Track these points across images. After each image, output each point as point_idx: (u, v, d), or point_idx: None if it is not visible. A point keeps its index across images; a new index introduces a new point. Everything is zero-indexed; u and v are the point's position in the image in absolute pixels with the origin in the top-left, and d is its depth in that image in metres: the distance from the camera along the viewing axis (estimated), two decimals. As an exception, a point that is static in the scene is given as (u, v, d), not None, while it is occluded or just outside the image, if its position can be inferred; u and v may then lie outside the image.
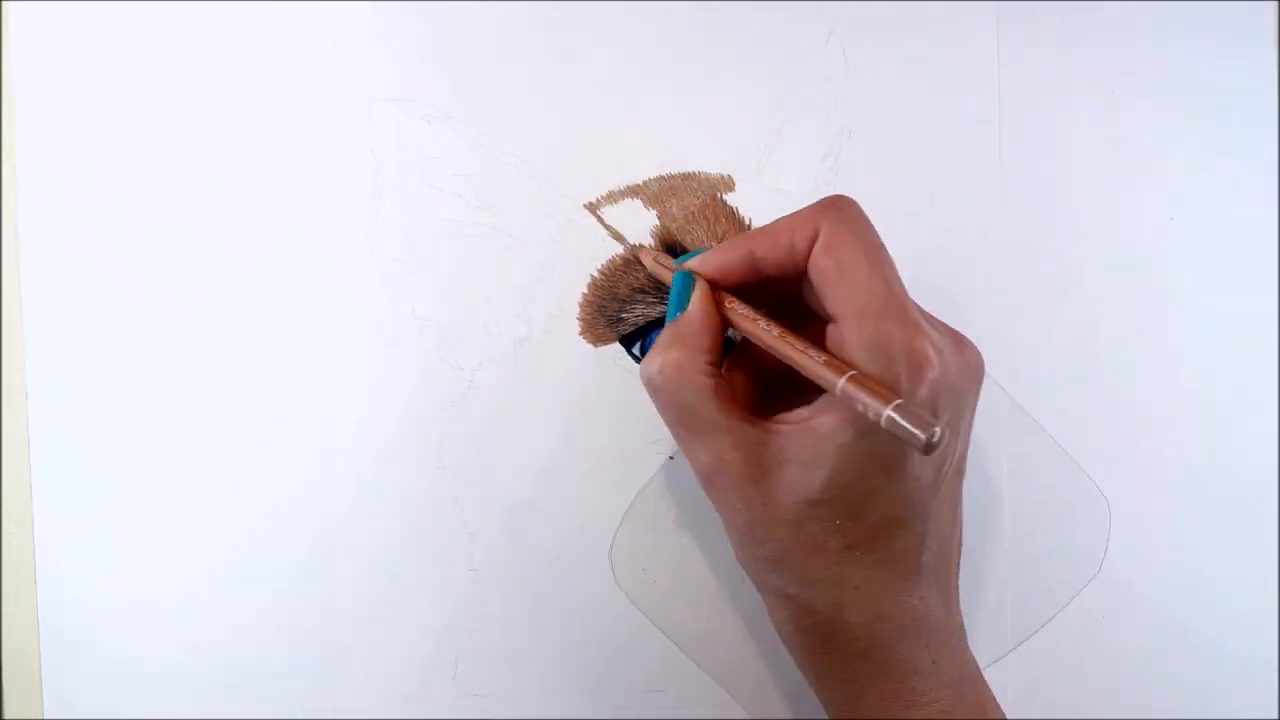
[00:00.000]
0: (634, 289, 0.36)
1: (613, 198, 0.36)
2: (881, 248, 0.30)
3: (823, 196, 0.31)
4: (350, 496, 0.35)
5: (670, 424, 0.31)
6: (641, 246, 0.36)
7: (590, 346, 0.36)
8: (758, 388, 0.33)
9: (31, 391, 0.35)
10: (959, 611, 0.32)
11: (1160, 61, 0.39)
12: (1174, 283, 0.39)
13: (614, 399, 0.36)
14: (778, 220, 0.31)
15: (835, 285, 0.29)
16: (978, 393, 0.31)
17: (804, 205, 0.31)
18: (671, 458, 0.36)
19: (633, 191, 0.36)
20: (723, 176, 0.37)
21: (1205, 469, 0.39)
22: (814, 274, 0.30)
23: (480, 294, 0.36)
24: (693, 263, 0.32)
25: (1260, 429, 0.40)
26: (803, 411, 0.30)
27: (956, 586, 0.32)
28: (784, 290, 0.32)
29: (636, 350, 0.36)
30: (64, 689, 0.35)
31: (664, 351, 0.31)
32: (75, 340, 0.35)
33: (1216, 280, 0.40)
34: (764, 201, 0.37)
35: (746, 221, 0.37)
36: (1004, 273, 0.38)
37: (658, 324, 0.36)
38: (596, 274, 0.36)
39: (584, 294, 0.36)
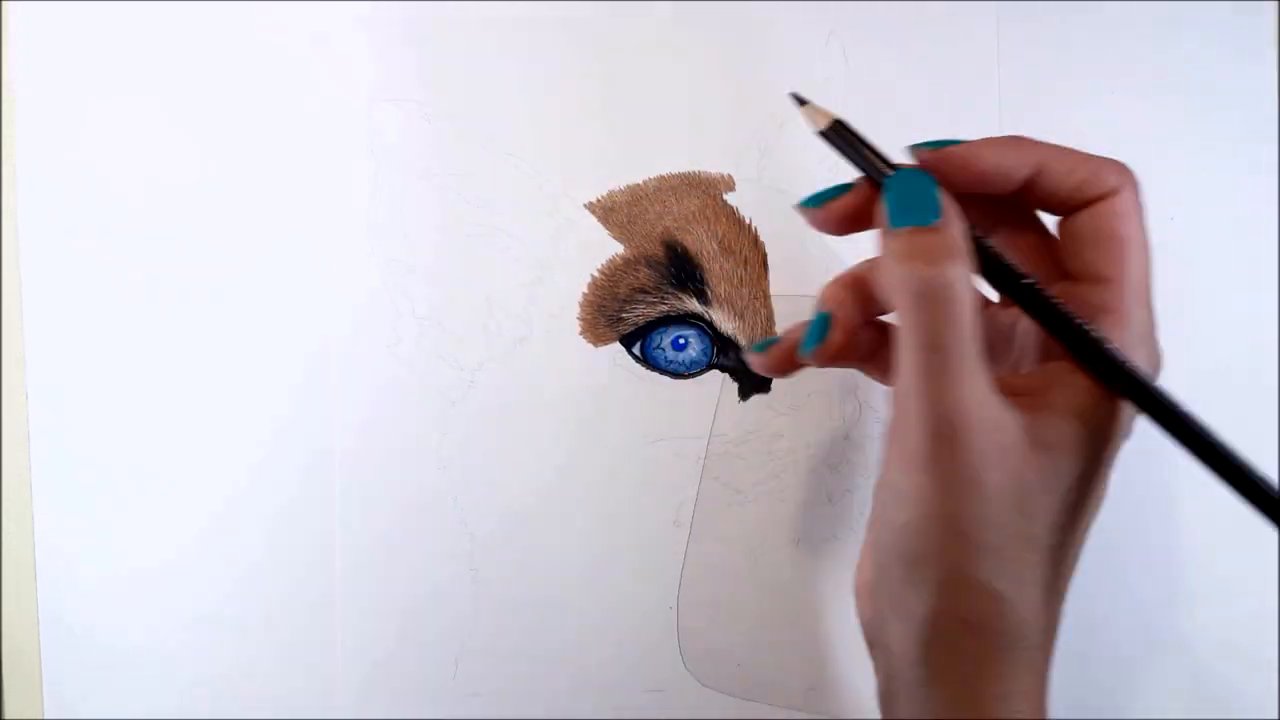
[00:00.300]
0: (634, 289, 0.36)
1: (612, 197, 0.36)
2: (1148, 246, 0.28)
3: (1113, 157, 0.28)
4: (350, 496, 0.35)
5: (926, 346, 0.25)
6: (810, 105, 0.30)
7: (591, 346, 0.36)
8: None
9: (32, 390, 0.35)
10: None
11: (1160, 61, 0.39)
12: (1174, 282, 0.39)
13: (615, 399, 0.36)
14: (1073, 150, 0.28)
15: (1129, 252, 0.27)
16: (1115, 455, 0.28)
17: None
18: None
19: (632, 191, 0.36)
20: (722, 176, 0.37)
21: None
22: (1095, 229, 0.27)
23: (481, 294, 0.36)
24: (956, 152, 0.27)
25: (1260, 429, 0.40)
26: (1033, 380, 0.26)
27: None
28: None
29: (637, 350, 0.36)
30: (64, 687, 0.35)
31: (938, 260, 0.25)
32: (75, 339, 0.35)
33: (1217, 280, 0.40)
34: (764, 201, 0.37)
35: (747, 222, 0.37)
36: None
37: (659, 323, 0.36)
38: (597, 274, 0.36)
39: (584, 294, 0.36)
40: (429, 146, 0.36)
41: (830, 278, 0.29)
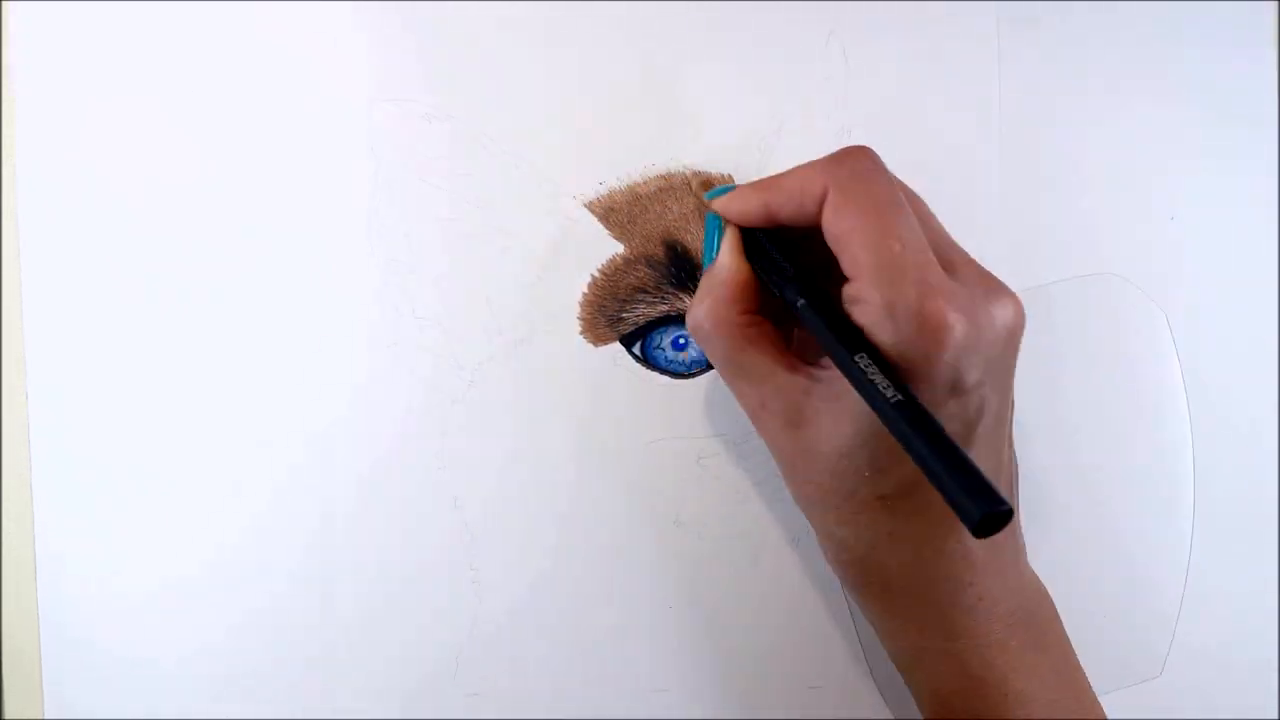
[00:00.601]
0: (634, 288, 0.36)
1: (612, 197, 0.36)
2: (894, 203, 0.28)
3: (835, 151, 0.30)
4: (350, 496, 0.35)
5: (716, 367, 0.32)
6: (695, 175, 0.36)
7: (591, 346, 0.36)
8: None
9: (32, 389, 0.35)
10: (1014, 542, 0.32)
11: (1160, 62, 0.39)
12: (1175, 283, 0.39)
13: (615, 399, 0.36)
14: (790, 171, 0.30)
15: (845, 248, 0.28)
16: (1016, 345, 0.30)
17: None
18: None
19: (632, 191, 0.36)
20: (722, 176, 0.37)
21: (1206, 469, 0.39)
22: (827, 234, 0.29)
23: (481, 294, 0.36)
24: (717, 204, 0.32)
25: (1261, 429, 0.40)
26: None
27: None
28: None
29: (637, 350, 0.36)
30: (64, 688, 0.35)
31: (702, 300, 0.31)
32: (75, 339, 0.35)
33: (1217, 280, 0.40)
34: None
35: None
36: (1003, 274, 0.38)
37: (659, 323, 0.36)
38: (597, 274, 0.36)
39: (584, 294, 0.36)
40: (429, 146, 0.36)
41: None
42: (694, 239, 0.36)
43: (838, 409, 0.29)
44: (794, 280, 0.30)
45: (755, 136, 0.37)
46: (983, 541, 0.29)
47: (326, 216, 0.35)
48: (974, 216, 0.38)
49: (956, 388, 0.28)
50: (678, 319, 0.36)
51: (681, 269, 0.36)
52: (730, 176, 0.37)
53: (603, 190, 0.36)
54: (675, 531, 0.36)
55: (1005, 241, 0.38)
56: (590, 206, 0.36)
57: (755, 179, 0.32)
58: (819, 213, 0.29)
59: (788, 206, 0.30)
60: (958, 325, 0.27)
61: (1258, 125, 0.40)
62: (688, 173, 0.36)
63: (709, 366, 0.36)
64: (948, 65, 0.38)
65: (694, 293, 0.36)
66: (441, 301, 0.36)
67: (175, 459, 0.35)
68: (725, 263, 0.31)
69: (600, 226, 0.36)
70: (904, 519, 0.30)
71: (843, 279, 0.29)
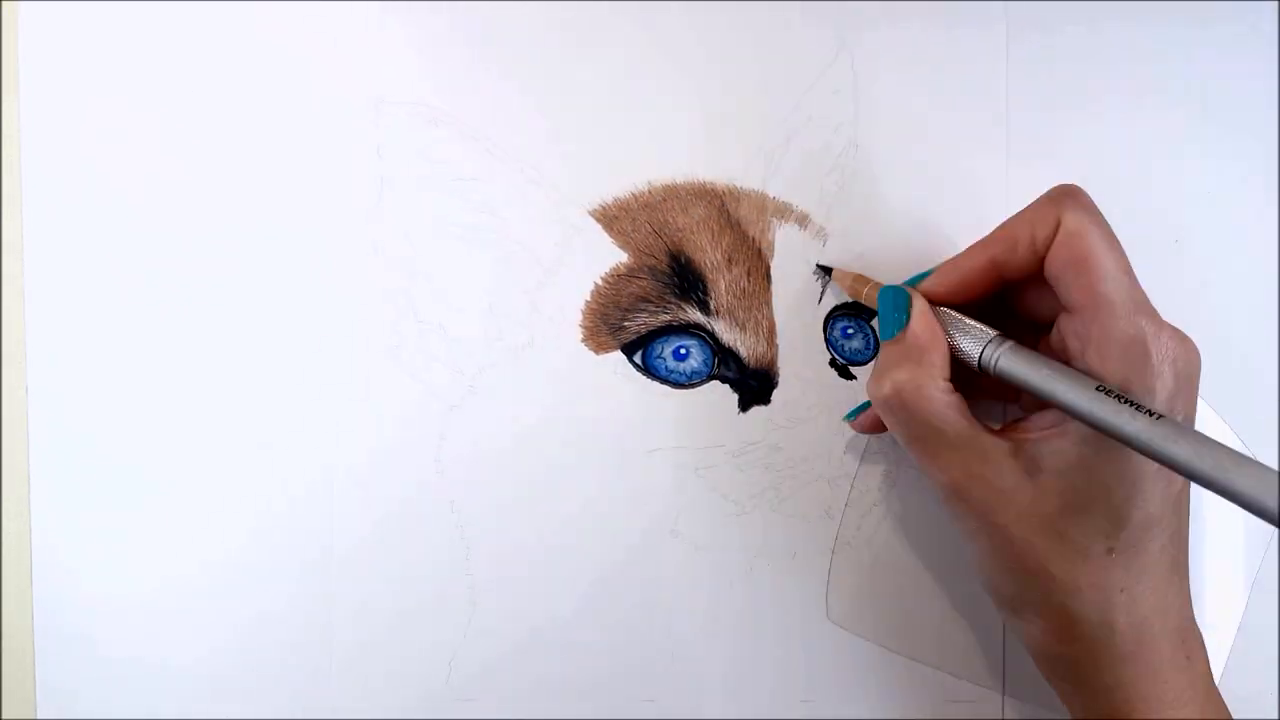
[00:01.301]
0: (637, 298, 0.36)
1: (617, 205, 0.36)
2: (1117, 240, 0.29)
3: (1051, 189, 0.30)
4: (348, 498, 0.35)
5: (910, 442, 0.31)
6: (839, 270, 0.36)
7: (592, 354, 0.36)
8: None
9: (32, 389, 0.35)
10: (1192, 610, 0.32)
11: (1165, 70, 0.39)
12: (1176, 287, 0.39)
13: (615, 407, 0.36)
14: (1009, 221, 0.30)
15: (1084, 275, 0.28)
16: (1199, 383, 0.30)
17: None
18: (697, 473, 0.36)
19: (637, 200, 0.36)
20: (728, 187, 0.37)
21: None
22: (1057, 265, 0.29)
23: (483, 299, 0.36)
24: (926, 284, 0.32)
25: (1261, 433, 0.40)
26: (1047, 417, 0.30)
27: (1188, 584, 0.32)
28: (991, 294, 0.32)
29: (638, 359, 0.36)
30: (59, 689, 0.35)
31: (895, 371, 0.30)
32: (76, 338, 0.35)
33: (1219, 283, 0.39)
34: (770, 213, 0.37)
35: (752, 234, 0.37)
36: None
37: (661, 333, 0.36)
38: (600, 282, 0.36)
39: (587, 301, 0.36)
40: (435, 150, 0.36)
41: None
42: (698, 250, 0.36)
43: (1062, 462, 0.29)
44: (996, 335, 0.30)
45: (764, 147, 0.37)
46: (1185, 596, 0.30)
47: (330, 218, 0.35)
48: (981, 230, 0.38)
49: (1179, 416, 0.28)
50: (679, 329, 0.36)
51: (685, 280, 0.36)
52: (736, 188, 0.37)
53: (608, 198, 0.36)
54: (671, 541, 0.36)
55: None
56: (595, 214, 0.36)
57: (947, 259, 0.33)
58: (1046, 248, 0.29)
59: (1018, 252, 0.30)
60: (1179, 351, 0.28)
61: (1258, 126, 0.40)
62: (830, 272, 0.36)
63: (709, 378, 0.36)
64: (957, 77, 0.38)
65: (696, 303, 0.36)
66: (443, 306, 0.36)
67: (174, 460, 0.35)
68: (923, 331, 0.31)
69: (604, 234, 0.36)
70: (1135, 574, 0.30)
71: (1028, 334, 0.30)
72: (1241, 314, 0.40)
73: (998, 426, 0.31)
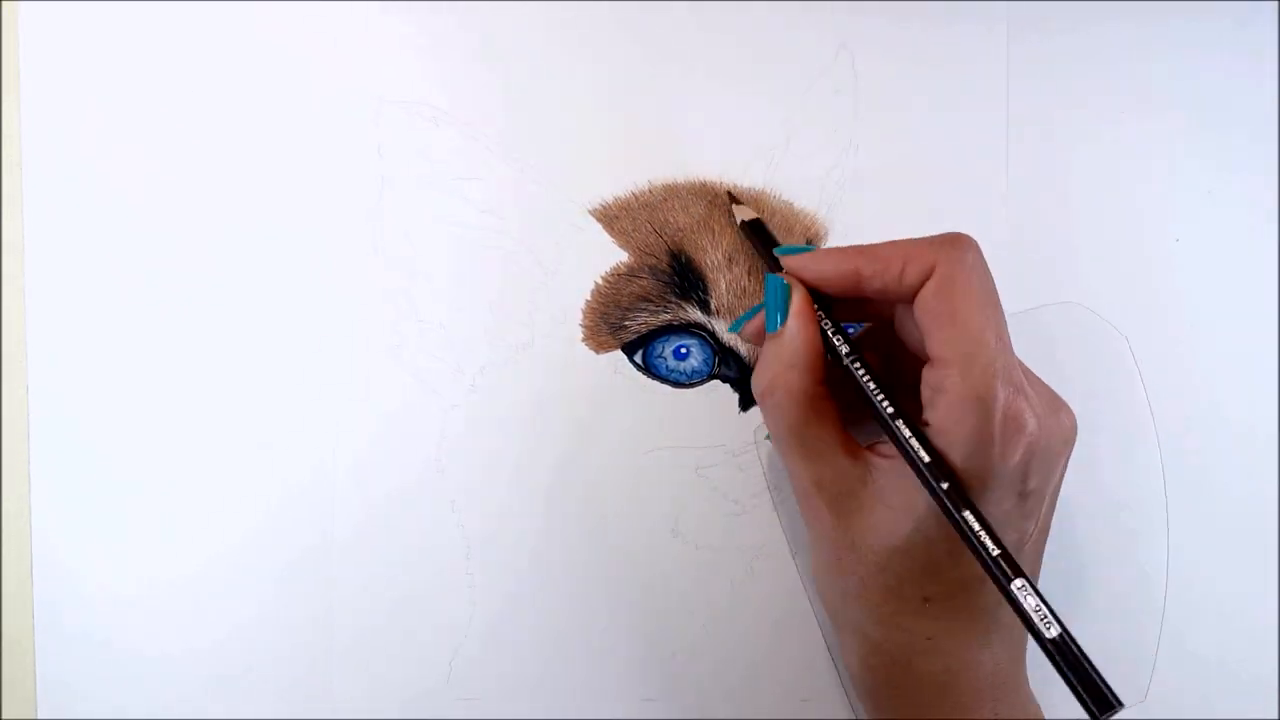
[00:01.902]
0: (638, 297, 0.36)
1: (617, 205, 0.36)
2: (996, 300, 0.29)
3: (941, 233, 0.29)
4: (349, 497, 0.35)
5: (775, 439, 0.31)
6: (739, 204, 0.35)
7: (592, 353, 0.36)
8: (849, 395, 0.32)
9: (33, 388, 0.35)
10: (1025, 664, 0.32)
11: (1166, 74, 0.39)
12: (1180, 292, 0.39)
13: (615, 407, 0.36)
14: (889, 244, 0.30)
15: (945, 329, 0.28)
16: (1068, 458, 0.30)
17: (916, 235, 0.30)
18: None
19: (637, 199, 0.36)
20: (730, 186, 0.37)
21: (1207, 474, 0.39)
22: (922, 311, 0.29)
23: (483, 298, 0.36)
24: (792, 264, 0.31)
25: (1263, 437, 0.40)
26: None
27: (1025, 641, 0.32)
28: (874, 310, 0.32)
29: (639, 358, 0.36)
30: (60, 686, 0.35)
31: (773, 366, 0.30)
32: (77, 336, 0.35)
33: (1219, 283, 0.39)
34: (769, 213, 0.37)
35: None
36: (1011, 289, 0.38)
37: (661, 332, 0.36)
38: (600, 281, 0.36)
39: (587, 301, 0.36)
40: (436, 149, 0.36)
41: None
42: (698, 249, 0.36)
43: (898, 503, 0.29)
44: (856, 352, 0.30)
45: (764, 148, 0.37)
46: (1003, 656, 0.30)
47: (331, 218, 0.35)
48: (981, 231, 0.38)
49: (1021, 490, 0.28)
50: (680, 328, 0.36)
51: (685, 279, 0.36)
52: (737, 187, 0.37)
53: (608, 198, 0.36)
54: (672, 541, 0.36)
55: (1014, 255, 0.38)
56: (595, 213, 0.36)
57: (835, 245, 0.32)
58: (915, 289, 0.29)
59: (882, 276, 0.29)
60: (1032, 425, 0.27)
61: (1258, 125, 0.40)
62: (726, 184, 0.36)
63: (709, 377, 0.36)
64: (957, 79, 0.38)
65: (696, 302, 0.36)
66: (444, 305, 0.36)
67: (174, 460, 0.35)
68: (799, 328, 0.30)
69: (605, 234, 0.36)
70: (945, 624, 0.30)
71: (906, 361, 0.30)
72: (1242, 314, 0.40)
73: (866, 444, 0.31)
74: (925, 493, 0.28)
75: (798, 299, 0.30)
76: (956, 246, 0.29)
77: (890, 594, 0.29)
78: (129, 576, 0.35)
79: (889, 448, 0.29)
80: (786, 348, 0.30)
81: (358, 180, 0.35)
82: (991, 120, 0.38)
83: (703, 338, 0.36)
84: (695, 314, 0.36)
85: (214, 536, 0.35)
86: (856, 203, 0.37)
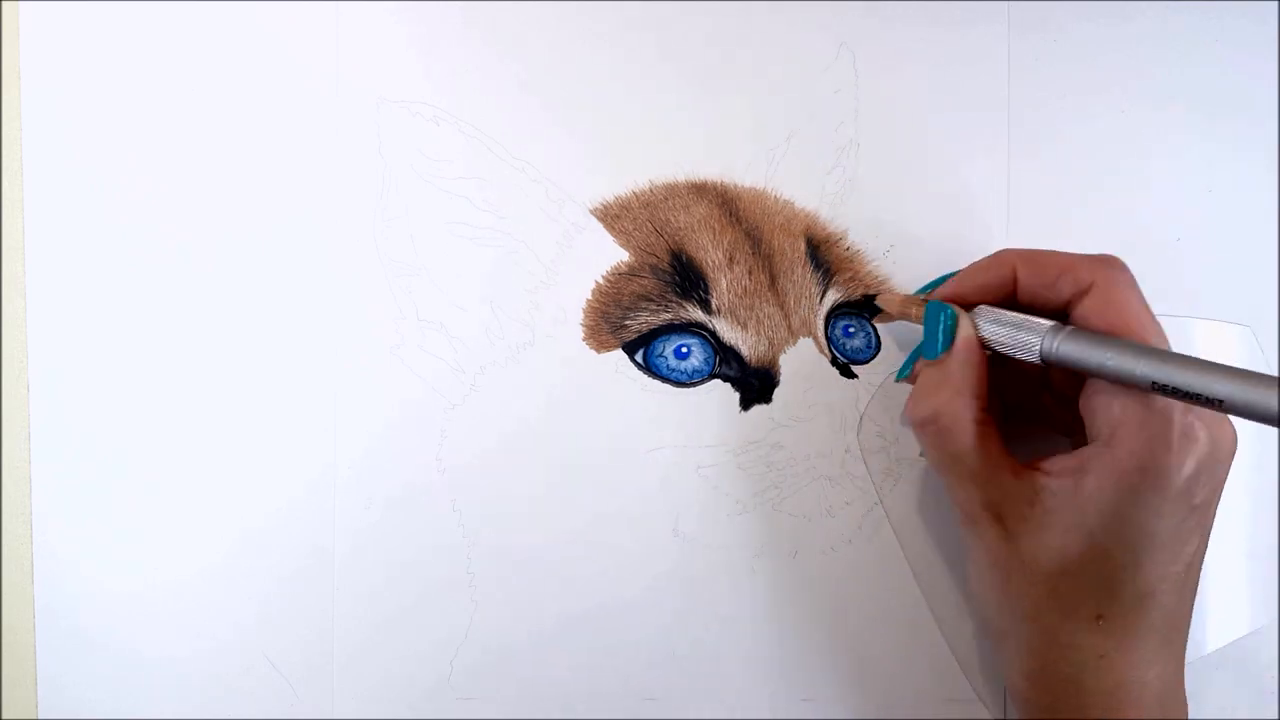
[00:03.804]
0: (639, 296, 0.36)
1: (618, 204, 0.36)
2: (1152, 319, 0.29)
3: (1096, 253, 0.31)
4: (350, 496, 0.35)
5: (938, 466, 0.32)
6: (884, 295, 0.36)
7: (593, 353, 0.36)
8: (1001, 413, 0.33)
9: (33, 387, 0.35)
10: (1184, 681, 0.32)
11: (1166, 71, 0.39)
12: (1180, 292, 0.39)
13: (615, 406, 0.36)
14: (1047, 253, 0.31)
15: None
16: (1228, 474, 0.30)
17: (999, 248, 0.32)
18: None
19: (638, 198, 0.36)
20: (730, 185, 0.37)
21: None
22: (1086, 321, 0.29)
23: (484, 297, 0.36)
24: (949, 287, 0.32)
25: (1262, 437, 0.40)
26: (1067, 461, 0.30)
27: (1183, 662, 0.32)
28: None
29: (639, 358, 0.36)
30: (60, 689, 0.35)
31: (934, 395, 0.31)
32: (78, 335, 0.35)
33: (1219, 282, 0.39)
34: (770, 212, 0.37)
35: (754, 236, 0.37)
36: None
37: (662, 332, 0.36)
38: (601, 280, 0.36)
39: (588, 300, 0.36)
40: (437, 149, 0.36)
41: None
42: (700, 248, 0.36)
43: (1070, 520, 0.29)
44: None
45: (765, 146, 0.37)
46: (1169, 676, 0.30)
47: (332, 218, 0.35)
48: (982, 229, 0.38)
49: (1191, 503, 0.28)
50: (680, 327, 0.36)
51: (686, 278, 0.36)
52: (738, 185, 0.37)
53: (609, 197, 0.36)
54: (673, 540, 0.36)
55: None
56: (596, 212, 0.36)
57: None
58: (1066, 301, 0.30)
59: (1039, 282, 0.30)
60: (1203, 438, 0.28)
61: (1258, 125, 0.40)
62: (880, 296, 0.36)
63: (710, 376, 0.36)
64: (958, 76, 0.38)
65: (697, 302, 0.36)
66: (445, 304, 0.36)
67: (176, 458, 0.35)
68: (967, 354, 0.31)
69: (606, 233, 0.36)
70: (1117, 641, 0.30)
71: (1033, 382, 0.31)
72: (1242, 314, 0.40)
73: (1026, 462, 0.31)
74: (1099, 509, 0.28)
75: (965, 327, 0.31)
76: (1113, 266, 0.30)
77: (1065, 614, 0.30)
78: (129, 577, 0.35)
79: (1052, 463, 0.30)
80: (955, 374, 0.31)
81: (358, 180, 0.35)
82: (991, 119, 0.38)
83: (703, 337, 0.36)
84: (696, 313, 0.36)
85: (213, 537, 0.35)
86: (857, 201, 0.37)
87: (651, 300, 0.36)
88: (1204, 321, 0.39)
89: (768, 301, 0.36)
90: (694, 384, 0.36)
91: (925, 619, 0.37)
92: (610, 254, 0.36)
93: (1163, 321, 0.30)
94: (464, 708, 0.36)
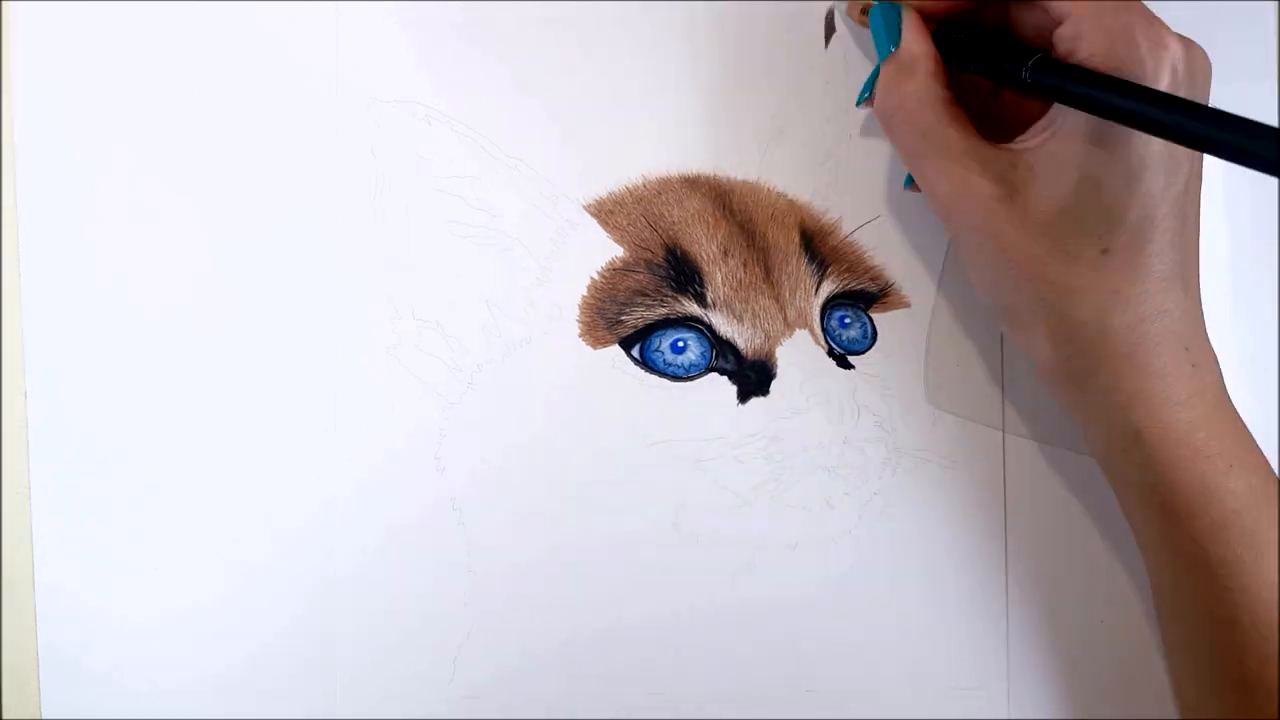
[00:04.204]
0: (634, 291, 0.36)
1: (611, 199, 0.36)
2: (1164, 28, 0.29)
3: None
4: (348, 498, 0.35)
5: (910, 156, 0.32)
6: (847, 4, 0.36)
7: (590, 349, 0.36)
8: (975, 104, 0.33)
9: (31, 389, 0.35)
10: (1205, 325, 0.32)
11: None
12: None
13: (613, 402, 0.36)
14: None
15: None
16: (1208, 91, 0.30)
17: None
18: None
19: (631, 193, 0.36)
20: (724, 179, 0.37)
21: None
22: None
23: (480, 296, 0.36)
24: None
25: (1262, 437, 0.40)
26: (1038, 126, 0.30)
27: (1199, 289, 0.32)
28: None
29: (636, 353, 0.36)
30: (63, 713, 0.35)
31: (895, 83, 0.31)
32: (74, 349, 0.35)
33: (1218, 282, 0.39)
34: (763, 204, 0.37)
35: (746, 227, 0.37)
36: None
37: (658, 326, 0.36)
38: (596, 276, 0.36)
39: (583, 296, 0.36)
40: (429, 148, 0.36)
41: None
42: (694, 242, 0.36)
43: (1056, 165, 0.29)
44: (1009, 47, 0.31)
45: (756, 139, 0.37)
46: (1189, 302, 0.31)
47: (326, 219, 0.35)
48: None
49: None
50: (677, 322, 0.36)
51: (680, 272, 0.36)
52: (730, 179, 0.37)
53: (602, 192, 0.36)
54: (672, 534, 0.36)
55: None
56: (590, 208, 0.36)
57: None
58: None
59: None
60: (1174, 44, 0.28)
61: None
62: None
63: (707, 370, 0.36)
64: (949, 69, 0.38)
65: (693, 296, 0.36)
66: (440, 303, 0.36)
67: (173, 459, 0.35)
68: (915, 42, 0.31)
69: (600, 229, 0.36)
70: (1129, 274, 0.30)
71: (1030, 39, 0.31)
72: (1241, 314, 0.40)
73: (1014, 141, 0.31)
74: (1082, 150, 0.28)
75: (910, 15, 0.32)
76: None
77: (1072, 258, 0.30)
78: (129, 577, 0.35)
79: (1025, 135, 0.30)
80: (911, 61, 0.31)
81: (352, 181, 0.35)
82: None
83: (700, 331, 0.36)
84: (692, 307, 0.36)
85: (212, 538, 0.35)
86: (851, 193, 0.37)
87: (647, 295, 0.36)
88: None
89: (763, 294, 0.36)
90: (691, 378, 0.36)
91: (929, 607, 0.37)
92: (605, 250, 0.36)
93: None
94: (467, 706, 0.36)
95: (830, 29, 0.37)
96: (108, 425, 0.35)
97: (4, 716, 0.35)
